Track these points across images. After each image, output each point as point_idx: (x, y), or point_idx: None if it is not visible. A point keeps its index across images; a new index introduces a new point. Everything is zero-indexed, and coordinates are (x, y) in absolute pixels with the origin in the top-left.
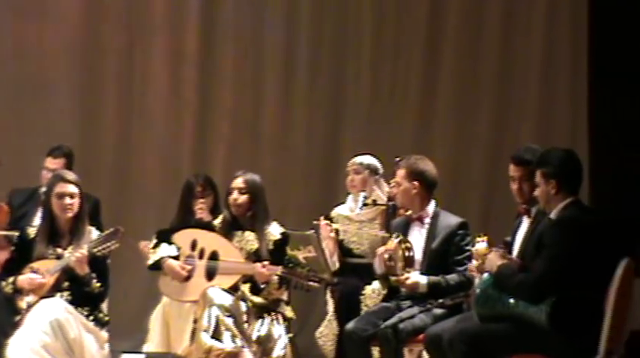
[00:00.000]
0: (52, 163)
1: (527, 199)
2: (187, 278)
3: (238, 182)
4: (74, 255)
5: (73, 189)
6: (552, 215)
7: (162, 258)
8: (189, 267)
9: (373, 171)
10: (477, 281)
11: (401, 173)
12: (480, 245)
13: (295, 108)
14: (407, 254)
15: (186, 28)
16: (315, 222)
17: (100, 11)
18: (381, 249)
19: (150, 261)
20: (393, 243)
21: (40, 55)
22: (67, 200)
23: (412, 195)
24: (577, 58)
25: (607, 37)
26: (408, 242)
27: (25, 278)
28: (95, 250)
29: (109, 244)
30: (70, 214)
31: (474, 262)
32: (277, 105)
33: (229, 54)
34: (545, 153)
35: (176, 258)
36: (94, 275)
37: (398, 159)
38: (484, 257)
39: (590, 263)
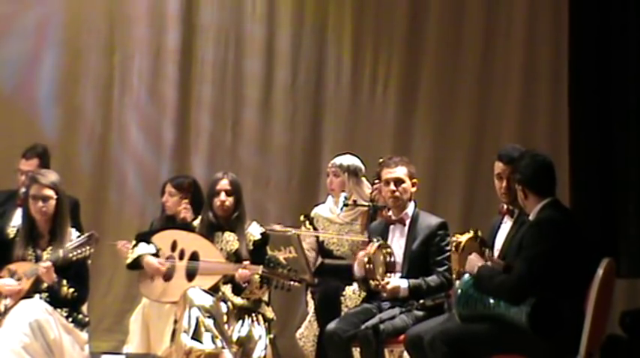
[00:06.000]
0: (26, 165)
1: (513, 199)
2: (168, 278)
3: (224, 184)
4: (40, 266)
5: (47, 191)
6: (531, 217)
7: (140, 255)
8: (168, 264)
9: (353, 172)
10: (456, 283)
11: (403, 171)
12: (462, 236)
13: (276, 106)
14: (388, 259)
15: (167, 25)
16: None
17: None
18: (360, 254)
19: (128, 260)
20: (373, 247)
21: (19, 55)
22: (40, 203)
23: (410, 195)
24: (558, 57)
25: (588, 37)
26: (389, 247)
27: (2, 285)
28: (70, 255)
29: (84, 249)
30: (44, 217)
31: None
32: (257, 104)
33: (210, 44)
34: (517, 158)
35: (155, 256)
36: (64, 281)
37: (381, 160)
38: (464, 252)
39: (570, 263)
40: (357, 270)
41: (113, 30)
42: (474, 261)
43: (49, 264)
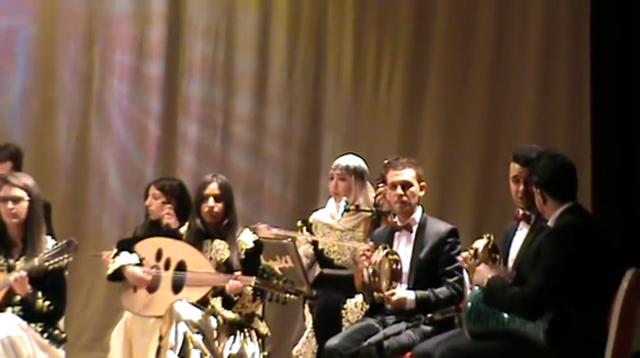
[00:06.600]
0: None
1: (531, 204)
2: (152, 290)
3: (213, 188)
4: (13, 275)
5: (17, 192)
6: (550, 223)
7: (122, 265)
8: (153, 271)
9: (359, 175)
10: (468, 292)
11: (411, 173)
12: (479, 242)
13: (270, 104)
14: (394, 267)
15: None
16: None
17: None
18: (364, 260)
19: (109, 271)
20: (379, 254)
21: None
22: (10, 204)
23: (418, 200)
24: (579, 58)
25: (608, 47)
26: (396, 254)
27: None
28: (46, 264)
29: (61, 258)
30: (14, 220)
31: (465, 253)
32: (251, 102)
33: (199, 43)
34: (535, 159)
35: (138, 266)
36: (39, 294)
37: (387, 161)
38: (476, 262)
39: (592, 273)
40: (365, 275)
41: (92, 27)
42: (484, 272)
43: (22, 273)
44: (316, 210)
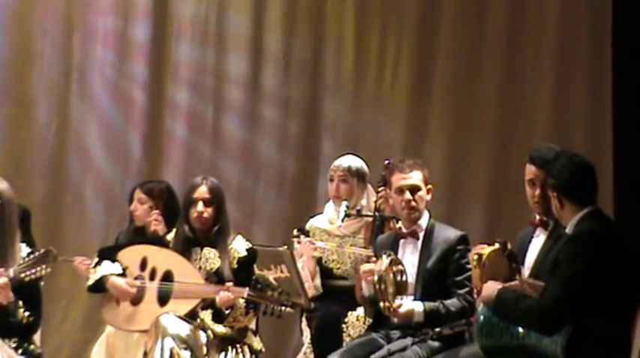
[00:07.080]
0: None
1: (548, 208)
2: (136, 302)
3: (202, 191)
4: None
5: None
6: (568, 229)
7: (104, 276)
8: (138, 283)
9: (361, 177)
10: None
11: (419, 176)
12: (487, 249)
13: (263, 101)
14: (399, 278)
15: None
16: (293, 239)
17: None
18: (365, 267)
19: (90, 282)
20: (384, 263)
21: None
22: None
23: (425, 204)
24: (599, 55)
25: (633, 34)
26: (401, 263)
27: None
28: (22, 275)
29: (38, 268)
30: None
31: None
32: (242, 98)
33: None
34: (551, 160)
35: (121, 277)
36: (20, 303)
37: (388, 161)
38: (485, 268)
39: (614, 283)
40: (365, 288)
41: (72, 17)
42: (492, 288)
43: (4, 280)
44: (313, 216)
